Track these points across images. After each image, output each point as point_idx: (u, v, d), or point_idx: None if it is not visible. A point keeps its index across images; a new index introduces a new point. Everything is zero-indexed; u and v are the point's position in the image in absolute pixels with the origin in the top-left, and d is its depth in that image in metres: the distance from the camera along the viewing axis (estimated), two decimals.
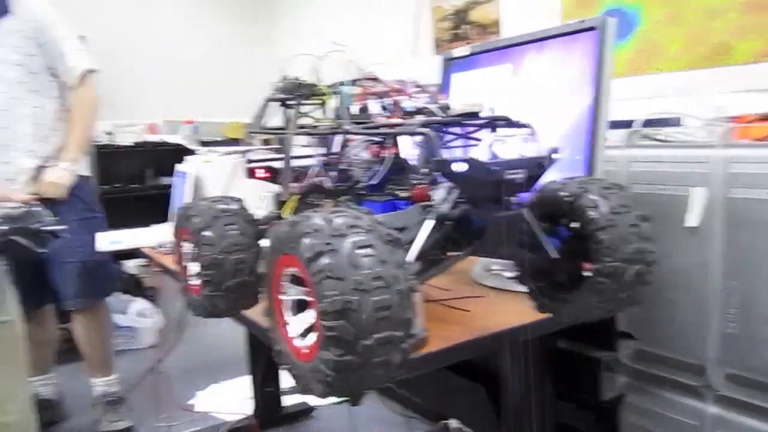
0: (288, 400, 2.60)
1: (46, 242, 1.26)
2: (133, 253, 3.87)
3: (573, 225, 0.93)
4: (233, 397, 2.80)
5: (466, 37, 3.67)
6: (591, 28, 1.17)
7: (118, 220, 4.26)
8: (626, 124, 1.78)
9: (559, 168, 1.20)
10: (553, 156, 0.83)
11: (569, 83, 1.22)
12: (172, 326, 3.61)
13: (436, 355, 0.98)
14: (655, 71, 2.78)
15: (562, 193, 0.91)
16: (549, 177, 0.96)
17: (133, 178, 4.76)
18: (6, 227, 1.19)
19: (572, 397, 1.50)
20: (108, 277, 2.66)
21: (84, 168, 2.53)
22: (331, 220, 0.68)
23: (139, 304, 3.57)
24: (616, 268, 0.86)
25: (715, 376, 1.37)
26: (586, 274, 0.90)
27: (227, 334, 3.10)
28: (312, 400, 2.64)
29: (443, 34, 3.82)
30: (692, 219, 1.36)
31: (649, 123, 1.72)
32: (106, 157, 4.54)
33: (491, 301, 1.25)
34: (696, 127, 1.65)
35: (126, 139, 4.61)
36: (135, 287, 3.85)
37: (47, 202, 1.32)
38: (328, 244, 0.65)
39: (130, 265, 4.14)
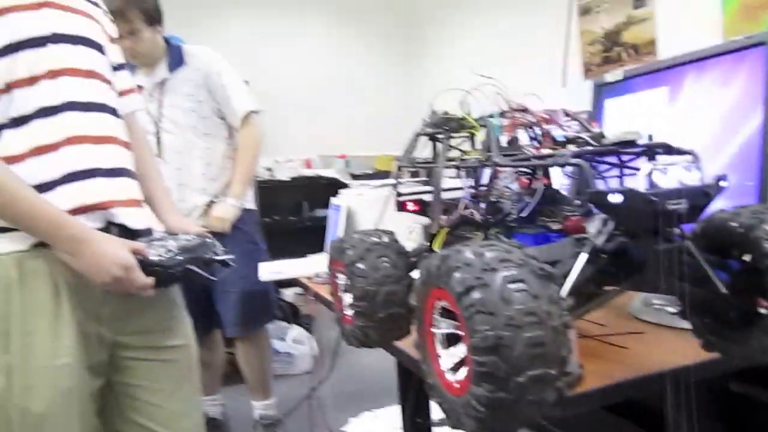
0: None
1: (217, 271, 1.36)
2: (290, 282, 4.09)
3: (745, 258, 0.86)
4: (385, 425, 2.84)
5: (619, 60, 3.53)
6: (759, 44, 1.09)
7: (277, 250, 4.52)
8: None
9: (727, 195, 1.12)
10: (721, 184, 0.77)
11: (736, 104, 1.14)
12: (326, 354, 3.74)
13: (593, 395, 0.94)
14: None
15: (732, 224, 0.84)
16: (717, 205, 0.89)
17: (291, 211, 5.04)
18: (183, 257, 1.28)
19: None
20: (268, 306, 2.80)
21: (249, 202, 2.71)
22: (481, 254, 0.68)
23: (296, 331, 3.74)
24: None
25: None
26: (761, 311, 0.82)
27: (380, 363, 3.17)
28: None
29: (593, 57, 3.71)
30: None
31: None
32: (267, 191, 4.85)
33: (652, 337, 1.17)
34: None
35: (284, 174, 4.90)
36: (292, 315, 4.04)
37: (215, 235, 1.43)
38: (478, 278, 0.65)
39: (288, 294, 4.37)
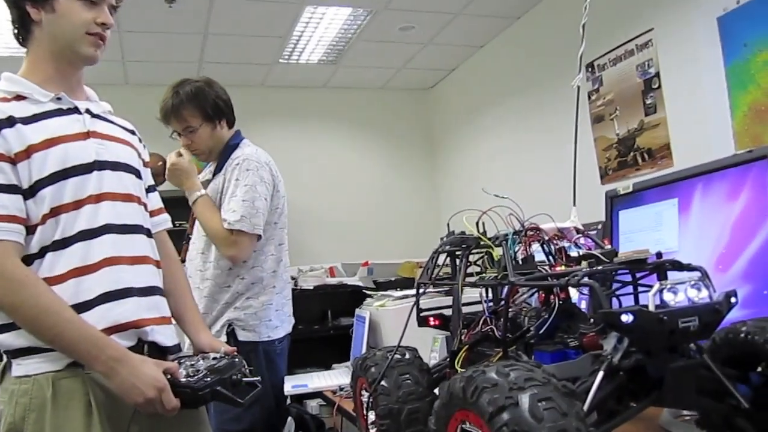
0: None
1: (245, 393, 1.36)
2: (315, 393, 4.02)
3: (764, 371, 0.87)
4: None
5: (635, 164, 3.60)
6: (762, 157, 1.13)
7: (302, 360, 4.48)
8: None
9: (744, 304, 1.13)
10: (731, 300, 0.79)
11: (745, 214, 1.17)
12: None
13: None
14: None
15: (756, 338, 0.85)
16: (733, 314, 0.91)
17: (315, 320, 5.04)
18: (211, 378, 1.29)
19: None
20: None
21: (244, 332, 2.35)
22: (507, 373, 0.70)
23: None
24: None
25: None
26: None
27: None
28: None
29: (610, 163, 3.79)
30: None
31: None
32: (292, 301, 4.87)
33: None
34: None
35: (308, 283, 4.94)
36: (317, 428, 3.95)
37: None
38: (508, 398, 0.67)
39: (313, 405, 4.29)
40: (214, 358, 1.36)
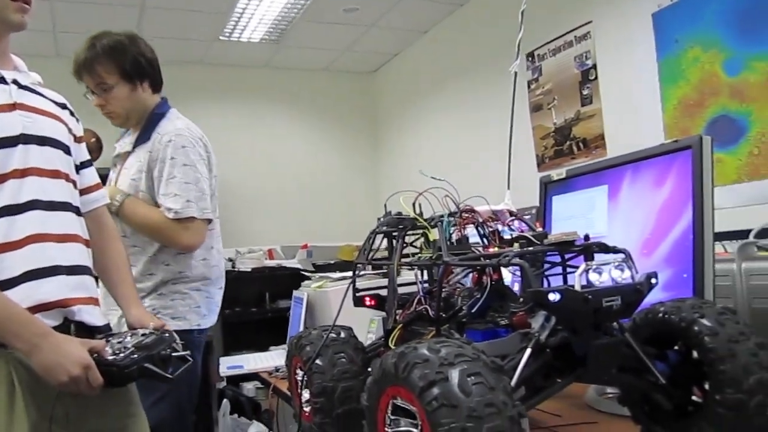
0: None
1: (176, 368, 1.34)
2: (251, 375, 3.99)
3: (681, 349, 0.91)
4: None
5: (571, 153, 3.70)
6: (687, 147, 1.18)
7: (239, 343, 4.45)
8: (743, 234, 1.72)
9: (666, 287, 1.19)
10: (651, 281, 0.83)
11: (669, 202, 1.22)
12: None
13: None
14: None
15: (673, 317, 0.89)
16: (656, 296, 0.95)
17: (253, 302, 5.00)
18: (138, 355, 1.26)
19: None
20: None
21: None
22: (438, 350, 0.71)
23: (256, 427, 3.63)
24: (739, 401, 0.82)
25: None
26: (697, 400, 0.87)
27: None
28: None
29: (546, 151, 3.88)
30: None
31: (765, 231, 1.65)
32: (228, 283, 4.80)
33: (606, 427, 1.20)
34: None
35: (246, 265, 4.88)
36: (252, 410, 3.94)
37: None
38: (438, 373, 0.68)
39: (249, 388, 4.27)
40: (143, 335, 1.33)
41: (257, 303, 5.01)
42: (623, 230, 1.31)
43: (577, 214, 1.43)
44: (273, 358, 2.31)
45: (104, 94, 1.99)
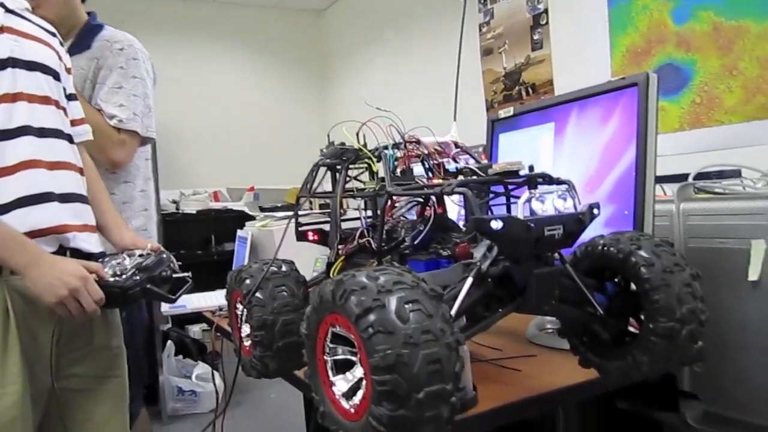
0: None
1: (177, 289, 1.32)
2: (197, 318, 3.96)
3: (619, 281, 0.92)
4: None
5: (519, 98, 3.70)
6: (633, 85, 1.18)
7: None
8: (683, 178, 1.75)
9: (607, 223, 1.20)
10: (594, 211, 0.83)
11: (614, 139, 1.22)
12: (229, 389, 3.64)
13: (486, 416, 0.97)
14: (716, 124, 2.74)
15: (611, 249, 0.90)
16: (597, 232, 0.96)
17: (198, 245, 4.92)
18: (140, 276, 1.24)
19: None
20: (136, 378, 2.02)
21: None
22: (376, 277, 0.70)
23: (201, 368, 3.63)
24: (671, 329, 0.84)
25: None
26: (633, 330, 0.88)
27: (288, 398, 3.11)
28: None
29: (496, 96, 3.88)
30: (753, 272, 1.31)
31: (705, 176, 1.68)
32: (172, 225, 4.72)
33: (544, 360, 1.22)
34: (755, 177, 1.61)
35: (191, 207, 4.79)
36: (198, 352, 3.93)
37: None
38: (375, 300, 0.67)
39: (195, 330, 4.25)
40: (141, 255, 1.31)
41: (203, 246, 4.94)
42: (568, 167, 1.31)
43: (524, 153, 1.42)
44: (217, 298, 2.27)
45: None
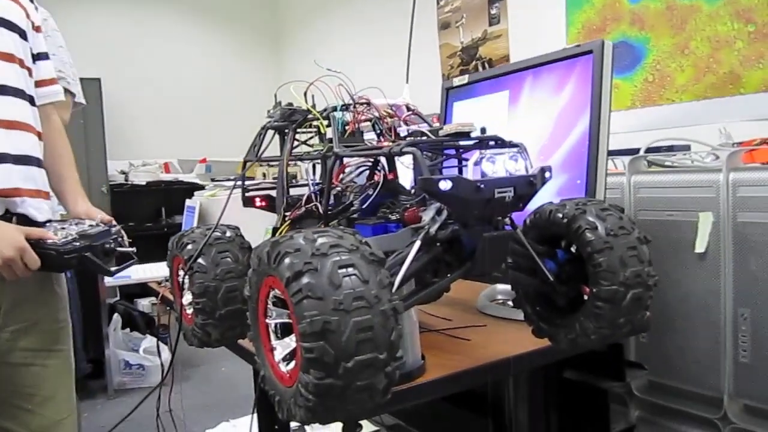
0: None
1: (118, 265, 1.28)
2: (146, 292, 3.87)
3: (571, 248, 0.91)
4: None
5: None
6: (588, 52, 1.17)
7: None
8: (634, 152, 1.76)
9: (560, 192, 1.19)
10: (546, 175, 0.81)
11: (568, 108, 1.21)
12: (179, 365, 3.59)
13: (434, 384, 0.95)
14: (666, 102, 2.77)
15: (558, 214, 0.89)
16: (549, 200, 0.94)
17: (147, 217, 4.81)
18: (80, 243, 1.19)
19: (581, 430, 1.45)
20: None
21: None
22: (314, 239, 0.67)
23: (149, 341, 3.56)
24: (614, 292, 0.83)
25: (731, 408, 1.32)
26: (586, 298, 0.87)
27: (240, 372, 3.07)
28: None
29: (452, 71, 3.85)
30: (700, 244, 1.33)
31: (656, 150, 1.70)
32: (121, 196, 4.59)
33: (494, 330, 1.22)
34: (703, 152, 1.63)
35: (140, 178, 4.66)
36: (146, 325, 3.85)
37: None
38: (307, 263, 0.64)
39: (144, 303, 4.16)
40: (90, 225, 1.26)
41: (153, 218, 4.83)
42: (522, 136, 1.29)
43: (478, 121, 1.40)
44: (164, 269, 2.21)
45: None
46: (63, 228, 1.23)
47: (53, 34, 1.92)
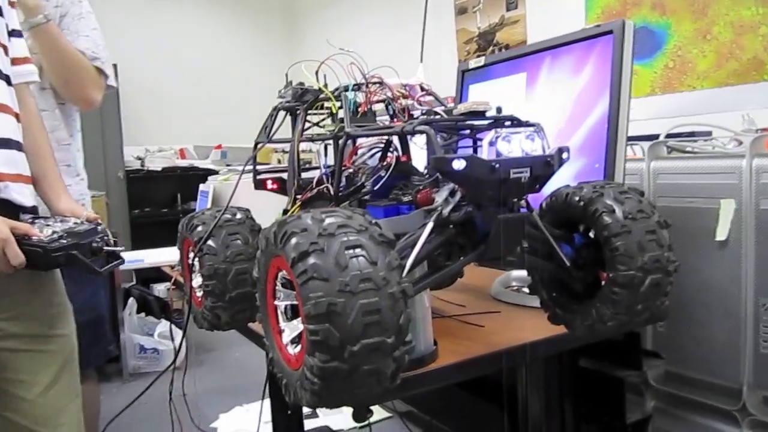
0: (309, 424, 2.55)
1: (106, 263, 1.24)
2: (161, 277, 3.88)
3: (588, 232, 0.88)
4: (255, 419, 2.76)
5: None
6: (608, 32, 1.13)
7: (148, 244, 4.31)
8: (654, 138, 1.73)
9: (578, 176, 1.16)
10: (563, 155, 0.78)
11: (587, 90, 1.18)
12: (194, 349, 3.61)
13: (445, 370, 0.93)
14: (687, 89, 2.72)
15: (575, 197, 0.86)
16: (566, 184, 0.91)
17: (163, 203, 4.83)
18: (67, 241, 1.16)
19: (596, 420, 1.42)
20: (97, 340, 1.96)
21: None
22: (321, 219, 0.65)
23: (164, 326, 3.58)
24: (632, 278, 0.80)
25: (750, 400, 1.29)
26: (603, 283, 0.85)
27: (252, 357, 3.07)
28: (333, 423, 2.58)
29: (469, 56, 3.81)
30: (721, 232, 1.29)
31: (676, 136, 1.66)
32: (137, 182, 4.61)
33: (508, 316, 1.20)
34: (725, 138, 1.59)
35: (156, 164, 4.67)
36: (161, 310, 3.86)
37: None
38: (314, 243, 0.62)
39: (160, 289, 4.17)
40: (75, 223, 1.22)
41: (168, 204, 4.84)
42: (539, 119, 1.26)
43: (494, 103, 1.37)
44: (177, 253, 2.21)
45: None
46: (48, 225, 1.19)
47: (87, 15, 1.81)
